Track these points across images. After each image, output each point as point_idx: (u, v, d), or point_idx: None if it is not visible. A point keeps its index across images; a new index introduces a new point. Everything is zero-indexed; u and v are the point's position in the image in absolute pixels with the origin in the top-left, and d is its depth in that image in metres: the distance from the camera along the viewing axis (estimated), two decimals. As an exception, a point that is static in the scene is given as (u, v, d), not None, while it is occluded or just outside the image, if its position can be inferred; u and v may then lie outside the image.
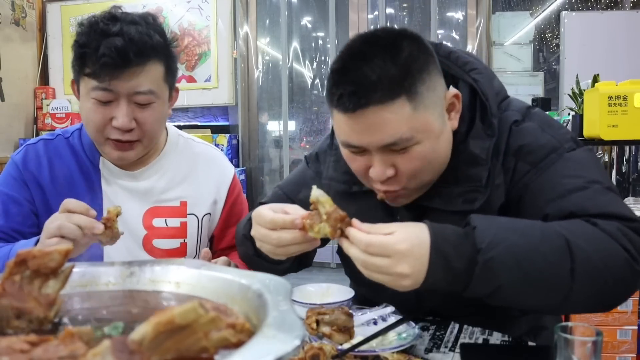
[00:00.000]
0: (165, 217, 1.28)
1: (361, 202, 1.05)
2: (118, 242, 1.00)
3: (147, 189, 1.27)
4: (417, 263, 0.76)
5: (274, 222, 0.86)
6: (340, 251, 1.17)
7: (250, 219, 1.01)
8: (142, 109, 1.14)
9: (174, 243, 1.29)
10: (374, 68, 0.84)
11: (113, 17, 1.12)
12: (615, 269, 0.79)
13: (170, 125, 1.36)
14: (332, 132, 1.11)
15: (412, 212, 1.02)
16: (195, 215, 1.31)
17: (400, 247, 0.75)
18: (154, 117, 1.16)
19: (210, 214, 1.33)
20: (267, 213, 0.88)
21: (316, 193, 0.82)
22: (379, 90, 0.84)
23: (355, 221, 0.80)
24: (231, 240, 1.36)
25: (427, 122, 0.88)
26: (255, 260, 1.06)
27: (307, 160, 1.25)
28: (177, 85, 1.25)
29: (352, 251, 0.78)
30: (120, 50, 1.07)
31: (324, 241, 0.92)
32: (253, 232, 0.92)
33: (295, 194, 1.18)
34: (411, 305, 1.06)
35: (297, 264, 1.11)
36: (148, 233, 1.26)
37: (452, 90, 0.95)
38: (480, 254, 0.77)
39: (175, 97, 1.26)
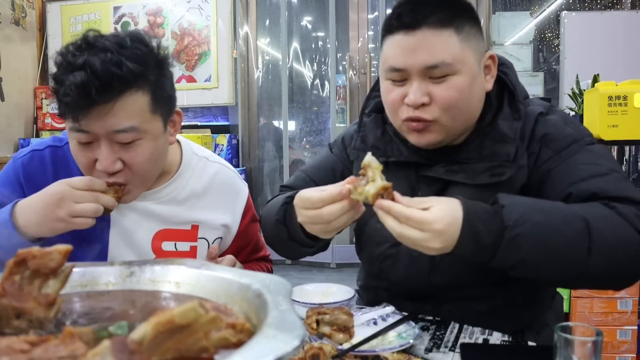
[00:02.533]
0: (175, 241, 1.21)
1: (385, 173, 1.06)
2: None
3: (159, 210, 1.19)
4: (449, 239, 0.83)
5: (322, 199, 0.90)
6: (357, 228, 1.22)
7: (283, 204, 1.07)
8: (127, 149, 1.01)
9: None
10: (434, 2, 0.99)
11: (85, 43, 0.98)
12: (629, 250, 0.87)
13: (185, 142, 1.27)
14: (361, 119, 1.22)
15: (434, 186, 1.09)
16: (206, 239, 1.24)
17: (436, 227, 0.82)
18: (142, 156, 1.02)
19: (221, 237, 1.27)
20: (312, 194, 0.92)
21: (369, 158, 0.88)
22: (434, 15, 0.98)
23: (396, 194, 0.86)
24: (244, 260, 1.31)
25: (467, 57, 1.00)
26: (288, 244, 1.09)
27: (330, 147, 1.31)
28: (177, 109, 1.13)
29: (388, 221, 0.85)
30: (81, 87, 0.93)
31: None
32: (301, 218, 0.95)
33: (318, 177, 1.24)
34: (422, 281, 1.09)
35: (323, 244, 1.15)
36: (156, 257, 1.19)
37: (489, 52, 1.06)
38: (507, 230, 0.85)
39: (179, 120, 1.15)
